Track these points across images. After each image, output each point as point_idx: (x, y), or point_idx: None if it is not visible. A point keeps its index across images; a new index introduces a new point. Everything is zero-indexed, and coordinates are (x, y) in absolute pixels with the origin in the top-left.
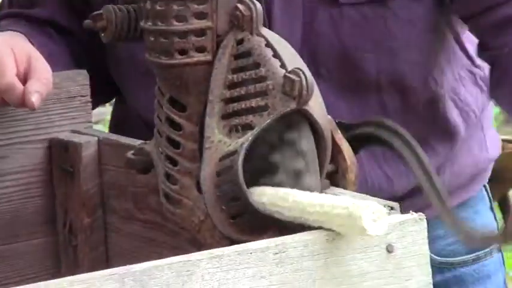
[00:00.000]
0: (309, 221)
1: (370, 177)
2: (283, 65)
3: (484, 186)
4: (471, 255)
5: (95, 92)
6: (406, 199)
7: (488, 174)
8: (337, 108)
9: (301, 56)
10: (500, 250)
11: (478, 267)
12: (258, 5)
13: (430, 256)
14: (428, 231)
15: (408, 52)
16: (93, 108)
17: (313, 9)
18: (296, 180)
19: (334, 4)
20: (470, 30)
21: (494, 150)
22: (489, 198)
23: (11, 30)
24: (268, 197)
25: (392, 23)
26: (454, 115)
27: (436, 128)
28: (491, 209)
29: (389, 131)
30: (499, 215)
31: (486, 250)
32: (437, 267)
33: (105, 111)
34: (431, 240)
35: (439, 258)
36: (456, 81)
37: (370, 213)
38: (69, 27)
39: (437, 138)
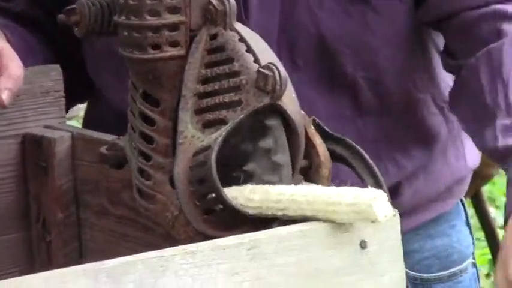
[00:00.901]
0: (308, 214)
1: (343, 173)
2: (256, 60)
3: (461, 199)
4: (446, 271)
5: (69, 91)
6: None
7: (466, 187)
8: (312, 102)
9: (279, 46)
10: (475, 265)
11: (453, 284)
12: None
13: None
14: (403, 245)
15: (386, 50)
16: (67, 108)
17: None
18: (271, 175)
19: None
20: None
21: (472, 160)
22: (465, 212)
23: None
24: (260, 196)
25: (371, 18)
26: (438, 122)
27: (414, 133)
28: (467, 223)
29: (347, 148)
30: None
31: (461, 266)
32: (411, 283)
33: (79, 107)
34: (406, 254)
35: (413, 273)
36: (446, 88)
37: (376, 200)
38: (42, 22)
39: (415, 144)
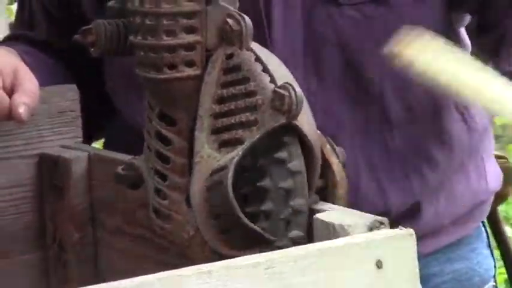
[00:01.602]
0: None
1: (364, 187)
2: (272, 80)
3: (482, 222)
4: None
5: (89, 113)
6: (400, 221)
7: (488, 209)
8: (339, 117)
9: (305, 61)
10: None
11: None
12: (248, 19)
13: None
14: (422, 269)
15: None
16: (91, 133)
17: (312, 9)
18: (285, 201)
19: (334, 4)
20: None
21: (494, 182)
22: (486, 234)
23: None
24: None
25: (394, 23)
26: (460, 129)
27: (439, 140)
28: (489, 245)
29: None
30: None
31: None
32: None
33: None
34: (425, 277)
35: None
36: None
37: None
38: (64, 49)
39: (439, 151)
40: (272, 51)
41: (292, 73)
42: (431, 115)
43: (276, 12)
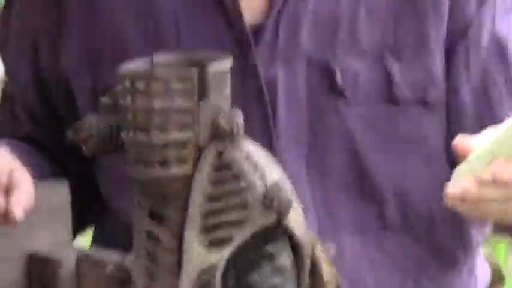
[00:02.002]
0: None
1: (364, 281)
2: (263, 178)
3: None
4: None
5: (79, 208)
6: None
7: None
8: (338, 211)
9: (309, 150)
10: None
11: None
12: (240, 117)
13: None
14: None
15: (416, 160)
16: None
17: (318, 103)
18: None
19: (341, 98)
20: None
21: (484, 276)
22: None
23: None
24: None
25: (402, 124)
26: (455, 243)
27: (433, 253)
28: None
29: None
30: None
31: None
32: None
33: None
34: None
35: None
36: None
37: None
38: (50, 143)
39: (434, 265)
40: (276, 141)
41: (294, 164)
42: (426, 227)
43: (280, 104)
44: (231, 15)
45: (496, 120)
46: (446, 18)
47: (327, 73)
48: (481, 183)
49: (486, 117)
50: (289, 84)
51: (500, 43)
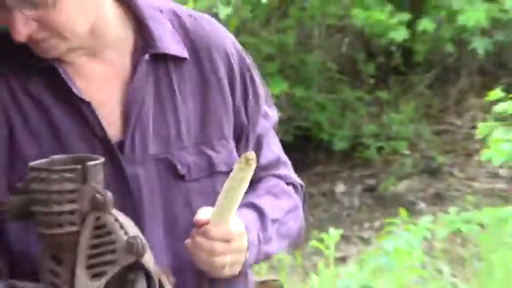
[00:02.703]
0: None
1: None
2: (126, 233)
3: None
4: None
5: None
6: None
7: None
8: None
9: (164, 221)
10: None
11: None
12: (110, 194)
13: None
14: None
15: None
16: None
17: (167, 186)
18: None
19: (182, 180)
20: None
21: None
22: None
23: None
24: None
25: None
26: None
27: None
28: None
29: None
30: None
31: None
32: None
33: None
34: None
35: None
36: None
37: None
38: None
39: None
40: (141, 211)
41: (154, 225)
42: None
43: (144, 191)
44: (99, 136)
45: None
46: (232, 122)
47: (170, 166)
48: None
49: None
50: (147, 177)
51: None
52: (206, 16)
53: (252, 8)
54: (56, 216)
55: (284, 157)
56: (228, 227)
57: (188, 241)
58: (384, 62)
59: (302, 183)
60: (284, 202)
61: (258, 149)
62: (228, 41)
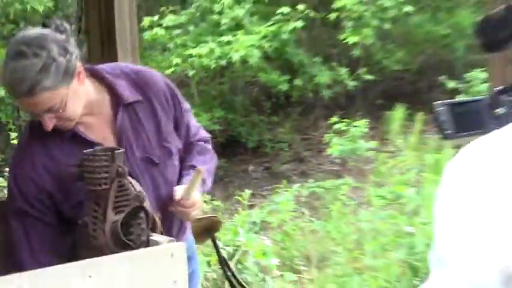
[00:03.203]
0: None
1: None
2: (135, 189)
3: None
4: None
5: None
6: None
7: None
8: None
9: (153, 187)
10: None
11: None
12: (126, 168)
13: None
14: None
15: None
16: None
17: (150, 171)
18: (142, 233)
19: (155, 166)
20: None
21: None
22: None
23: None
24: None
25: (171, 169)
26: None
27: None
28: None
29: None
30: None
31: None
32: None
33: None
34: None
35: None
36: None
37: None
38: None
39: None
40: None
41: (145, 190)
42: None
43: (140, 173)
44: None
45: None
46: (172, 122)
47: (149, 160)
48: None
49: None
50: (139, 167)
51: (187, 123)
52: (144, 68)
53: None
54: (97, 180)
55: (198, 125)
56: (193, 199)
57: (171, 208)
58: (275, 101)
59: (209, 135)
60: (207, 156)
61: (188, 128)
62: (160, 81)
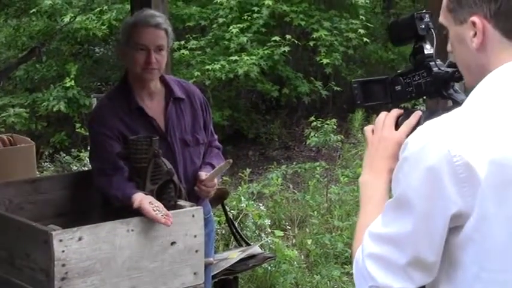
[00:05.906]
0: None
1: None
2: (166, 166)
3: None
4: None
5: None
6: None
7: None
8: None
9: (183, 163)
10: None
11: None
12: (160, 151)
13: None
14: None
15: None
16: None
17: (185, 149)
18: (170, 194)
19: (188, 147)
20: None
21: None
22: None
23: None
24: None
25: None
26: None
27: None
28: None
29: None
30: None
31: None
32: None
33: None
34: None
35: None
36: None
37: None
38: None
39: None
40: (177, 161)
41: (178, 165)
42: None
43: (177, 152)
44: (158, 130)
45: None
46: (202, 123)
47: (184, 141)
48: None
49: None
50: (176, 145)
51: (211, 130)
52: (187, 82)
53: None
54: (139, 159)
55: (215, 135)
56: (214, 182)
57: (196, 188)
58: (269, 104)
59: (221, 146)
60: (220, 160)
61: (210, 131)
62: (198, 91)
